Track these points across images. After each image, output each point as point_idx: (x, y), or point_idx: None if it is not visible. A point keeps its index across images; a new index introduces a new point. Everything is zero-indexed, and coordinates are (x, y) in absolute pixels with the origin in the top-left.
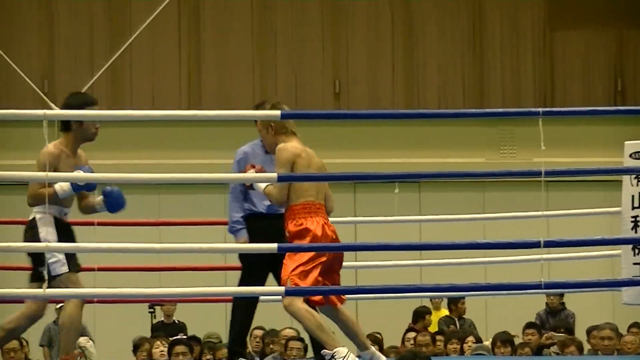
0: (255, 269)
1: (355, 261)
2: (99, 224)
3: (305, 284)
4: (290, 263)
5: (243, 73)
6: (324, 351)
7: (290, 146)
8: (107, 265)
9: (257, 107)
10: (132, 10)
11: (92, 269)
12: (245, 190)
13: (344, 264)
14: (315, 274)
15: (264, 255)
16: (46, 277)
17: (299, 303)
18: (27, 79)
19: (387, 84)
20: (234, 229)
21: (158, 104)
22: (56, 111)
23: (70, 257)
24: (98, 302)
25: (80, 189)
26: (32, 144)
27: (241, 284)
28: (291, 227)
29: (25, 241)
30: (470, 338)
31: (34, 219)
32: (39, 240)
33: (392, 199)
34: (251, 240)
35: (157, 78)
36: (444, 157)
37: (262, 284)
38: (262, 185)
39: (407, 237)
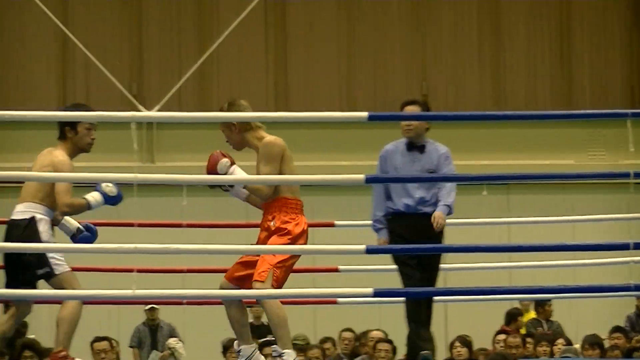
0: (406, 269)
1: (444, 263)
2: (188, 225)
3: (282, 279)
4: (271, 258)
5: (329, 74)
6: (274, 347)
7: (277, 139)
8: (195, 267)
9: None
10: (219, 12)
11: (182, 271)
12: (387, 187)
13: None
14: (289, 271)
15: (413, 256)
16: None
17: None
18: (116, 82)
19: (474, 85)
20: (375, 227)
21: None
22: (144, 113)
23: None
24: (187, 303)
25: (109, 203)
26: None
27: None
28: (283, 218)
29: (21, 239)
30: (560, 340)
31: (33, 218)
32: (39, 240)
33: (480, 200)
34: (390, 239)
35: (244, 80)
36: (532, 159)
37: (418, 283)
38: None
39: (495, 239)
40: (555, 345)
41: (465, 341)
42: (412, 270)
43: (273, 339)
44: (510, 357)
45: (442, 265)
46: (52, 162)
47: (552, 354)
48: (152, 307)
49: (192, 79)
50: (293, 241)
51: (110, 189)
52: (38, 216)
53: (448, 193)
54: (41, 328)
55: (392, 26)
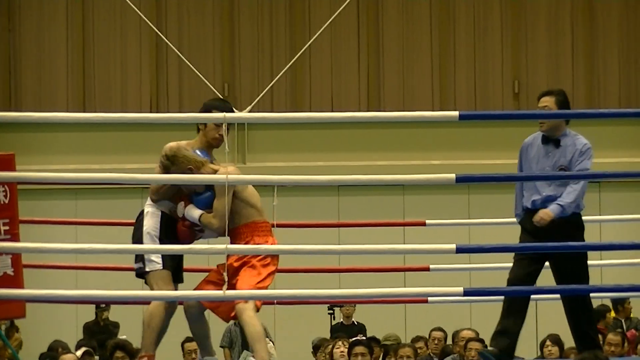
0: (522, 263)
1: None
2: (279, 225)
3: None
4: (253, 278)
5: (423, 74)
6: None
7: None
8: (287, 267)
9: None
10: (311, 12)
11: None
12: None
13: None
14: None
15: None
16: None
17: (251, 311)
18: (208, 83)
19: (567, 83)
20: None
21: (337, 106)
22: (236, 114)
23: (167, 256)
24: (278, 303)
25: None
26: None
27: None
28: (256, 242)
29: (133, 234)
30: None
31: (142, 211)
32: (140, 234)
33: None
34: (520, 237)
35: (337, 80)
36: (623, 156)
37: (531, 280)
38: (196, 214)
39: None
40: None
41: (556, 340)
42: (527, 265)
43: (364, 338)
44: (603, 356)
45: None
46: None
47: None
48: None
49: (284, 79)
50: (266, 265)
51: None
52: (147, 209)
53: (569, 193)
54: (133, 328)
55: (487, 26)
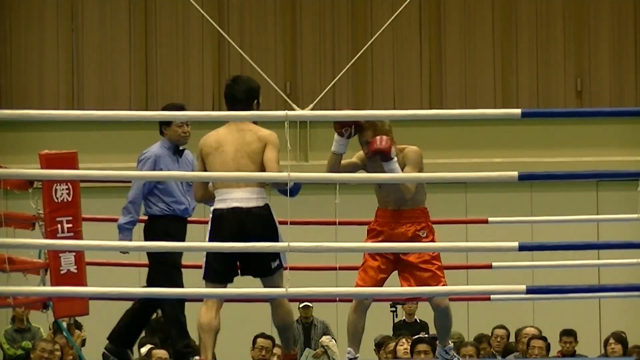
0: (166, 269)
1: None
2: (341, 223)
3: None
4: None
5: (486, 71)
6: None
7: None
8: (349, 264)
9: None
10: (373, 9)
11: (334, 268)
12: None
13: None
14: None
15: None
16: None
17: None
18: (270, 81)
19: (630, 80)
20: (128, 228)
21: (399, 104)
22: (298, 112)
23: None
24: (340, 300)
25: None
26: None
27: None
28: (433, 231)
29: (265, 231)
30: None
31: (267, 205)
32: (277, 231)
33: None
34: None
35: (399, 77)
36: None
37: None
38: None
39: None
40: None
41: (620, 338)
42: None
43: (427, 335)
44: None
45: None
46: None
47: None
48: (306, 304)
49: (346, 77)
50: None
51: None
52: (263, 203)
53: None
54: None
55: (550, 22)
